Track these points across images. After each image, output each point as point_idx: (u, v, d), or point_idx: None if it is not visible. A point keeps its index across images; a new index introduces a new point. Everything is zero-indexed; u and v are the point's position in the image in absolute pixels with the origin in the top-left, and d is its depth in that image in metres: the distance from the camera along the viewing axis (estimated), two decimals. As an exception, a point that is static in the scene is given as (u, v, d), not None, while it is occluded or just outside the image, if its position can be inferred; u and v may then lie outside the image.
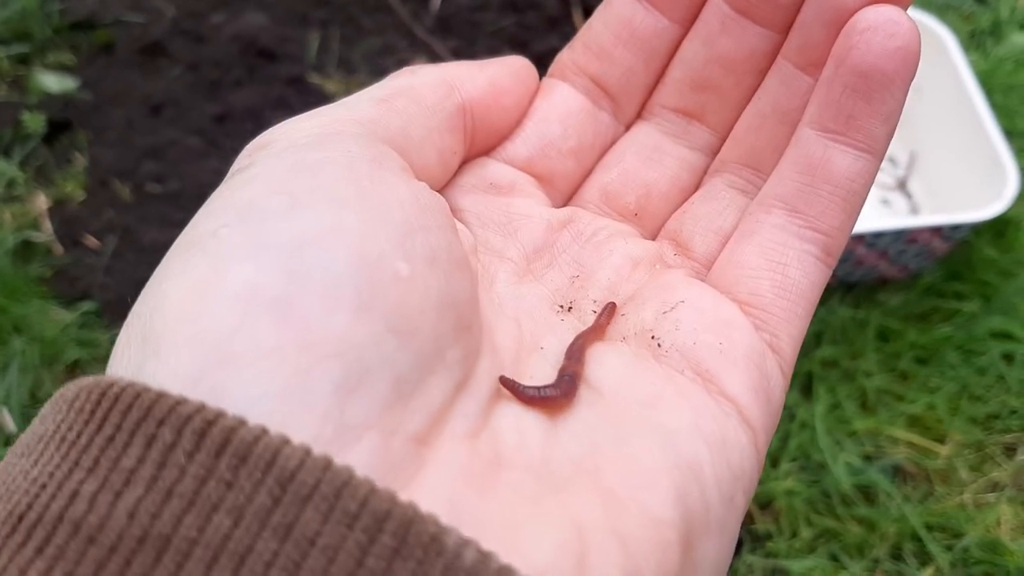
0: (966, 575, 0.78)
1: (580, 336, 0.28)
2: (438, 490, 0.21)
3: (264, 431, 0.19)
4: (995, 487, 0.83)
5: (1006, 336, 0.91)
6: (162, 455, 0.19)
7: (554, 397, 0.25)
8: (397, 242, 0.23)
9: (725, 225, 0.31)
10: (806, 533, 0.80)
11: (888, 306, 0.92)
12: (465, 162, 0.32)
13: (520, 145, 0.32)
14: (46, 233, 1.01)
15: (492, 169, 0.32)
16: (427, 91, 0.29)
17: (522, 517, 0.21)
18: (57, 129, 1.08)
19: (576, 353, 0.27)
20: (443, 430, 0.22)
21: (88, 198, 1.03)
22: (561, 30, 1.13)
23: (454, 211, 0.30)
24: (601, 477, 0.23)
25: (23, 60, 1.15)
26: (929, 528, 0.80)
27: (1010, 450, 0.85)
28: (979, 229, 0.94)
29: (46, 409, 0.22)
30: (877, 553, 0.79)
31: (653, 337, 0.28)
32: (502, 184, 0.31)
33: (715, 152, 0.33)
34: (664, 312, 0.28)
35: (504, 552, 0.19)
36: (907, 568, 0.78)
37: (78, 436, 0.20)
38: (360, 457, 0.20)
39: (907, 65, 0.27)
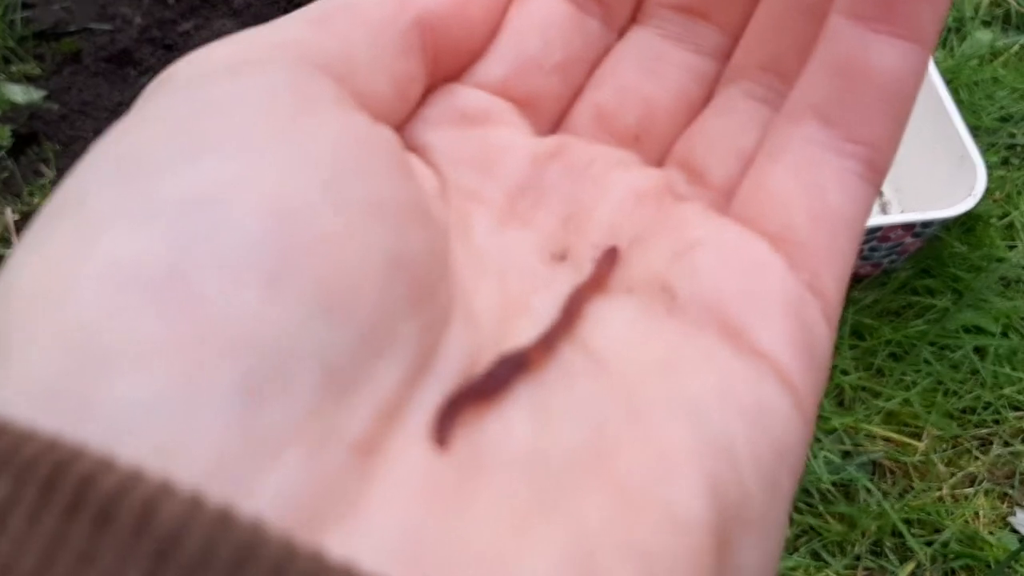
0: (946, 569, 0.79)
1: (577, 290, 0.23)
2: (389, 518, 0.16)
3: (136, 476, 0.14)
4: (972, 481, 0.84)
5: (978, 330, 0.92)
6: None
7: (528, 354, 0.20)
8: (325, 188, 0.18)
9: (746, 144, 0.26)
10: (788, 531, 0.81)
11: (862, 303, 0.93)
12: (428, 91, 0.26)
13: (494, 65, 0.26)
14: (15, 248, 0.99)
15: (462, 96, 0.26)
16: (372, 5, 0.24)
17: (507, 540, 0.16)
18: (24, 141, 1.07)
19: (571, 311, 0.22)
20: (396, 430, 0.17)
21: (57, 211, 1.02)
22: None
23: (418, 150, 0.25)
24: (609, 469, 0.18)
25: (-13, 71, 1.13)
26: (908, 523, 0.81)
27: (985, 443, 0.86)
28: (949, 225, 0.95)
29: None
30: (858, 550, 0.80)
31: (666, 287, 0.23)
32: (475, 113, 0.26)
33: (727, 56, 0.28)
34: (678, 255, 0.23)
35: None
36: (888, 564, 0.79)
37: None
38: (280, 483, 0.15)
39: None
